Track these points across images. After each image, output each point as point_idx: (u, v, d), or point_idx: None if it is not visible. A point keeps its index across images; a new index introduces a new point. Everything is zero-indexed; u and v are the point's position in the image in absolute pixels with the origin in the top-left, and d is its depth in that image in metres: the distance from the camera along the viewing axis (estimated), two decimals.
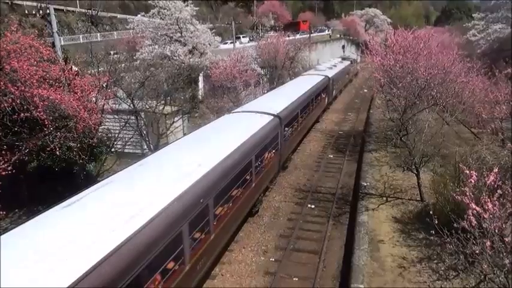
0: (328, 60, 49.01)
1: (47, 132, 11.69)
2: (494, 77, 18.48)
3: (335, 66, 39.97)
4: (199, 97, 29.93)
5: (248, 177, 12.47)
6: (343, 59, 53.03)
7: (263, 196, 15.37)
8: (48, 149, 11.79)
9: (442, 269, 8.91)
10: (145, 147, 17.64)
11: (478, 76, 18.73)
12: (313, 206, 15.05)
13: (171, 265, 7.84)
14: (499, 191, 7.31)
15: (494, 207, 7.04)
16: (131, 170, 9.17)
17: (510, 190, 7.24)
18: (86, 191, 7.74)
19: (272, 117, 15.46)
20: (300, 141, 22.51)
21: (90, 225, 6.47)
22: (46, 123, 11.26)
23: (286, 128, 17.76)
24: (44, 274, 5.31)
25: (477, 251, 6.89)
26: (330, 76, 32.03)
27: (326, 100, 31.19)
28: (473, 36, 32.96)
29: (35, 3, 45.60)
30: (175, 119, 19.69)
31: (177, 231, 7.68)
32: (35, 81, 10.96)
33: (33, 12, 42.88)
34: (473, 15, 37.33)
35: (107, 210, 6.98)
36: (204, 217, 9.04)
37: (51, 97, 11.14)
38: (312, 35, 65.97)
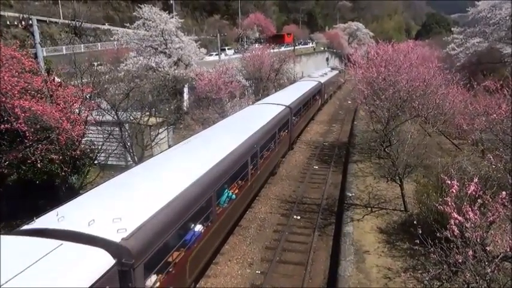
0: (316, 70, 54.15)
1: (28, 144, 11.45)
2: (473, 89, 18.98)
3: (326, 74, 46.35)
4: (185, 108, 29.85)
5: (273, 145, 17.89)
6: (333, 68, 60.33)
7: (280, 162, 20.80)
8: (29, 161, 11.54)
9: (427, 278, 8.95)
10: (130, 159, 17.43)
11: (457, 88, 19.17)
12: (298, 217, 15.05)
13: (240, 182, 13.31)
14: (479, 201, 7.45)
15: (476, 217, 7.16)
16: (211, 132, 15.13)
17: (490, 200, 7.39)
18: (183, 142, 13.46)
19: (285, 107, 20.89)
20: (302, 129, 28.42)
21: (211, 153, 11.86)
22: (27, 135, 11.05)
23: (294, 117, 22.99)
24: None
25: (460, 260, 6.98)
26: (322, 82, 37.96)
27: (320, 102, 37.39)
28: (453, 49, 33.80)
29: (17, 14, 45.13)
30: (160, 130, 19.54)
31: (244, 160, 13.27)
32: (16, 92, 10.78)
33: (15, 23, 42.46)
34: (452, 29, 38.35)
35: (211, 146, 12.60)
36: (255, 158, 14.71)
37: (32, 108, 10.96)
38: (296, 47, 67.00)
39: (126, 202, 7.85)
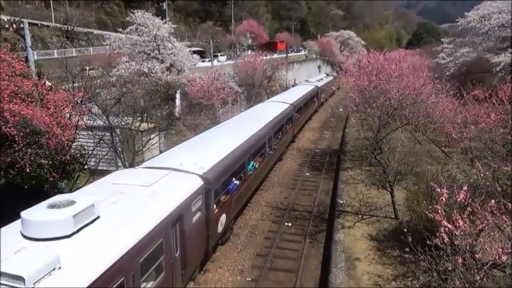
0: (311, 77, 57.95)
1: (17, 148, 11.31)
2: (462, 98, 19.19)
3: (322, 79, 51.15)
4: (176, 114, 29.75)
5: (281, 134, 21.94)
6: (327, 75, 64.35)
7: (286, 149, 25.02)
8: (17, 166, 11.39)
9: (417, 286, 9.02)
10: (120, 164, 17.29)
11: (447, 97, 19.40)
12: (290, 224, 15.04)
13: (259, 158, 17.13)
14: (468, 209, 7.52)
15: (465, 225, 7.23)
16: (238, 118, 20.48)
17: (479, 207, 7.46)
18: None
19: (289, 104, 25.19)
20: (302, 126, 32.66)
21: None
22: (16, 139, 10.92)
23: (296, 114, 27.22)
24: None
25: (450, 268, 7.03)
26: (319, 86, 42.66)
27: (316, 104, 41.55)
28: (443, 59, 34.22)
29: (8, 17, 44.73)
30: (152, 136, 19.45)
31: (263, 141, 17.27)
32: (6, 95, 10.67)
33: (6, 26, 42.04)
34: (442, 39, 38.89)
35: (241, 127, 17.16)
36: (270, 141, 18.72)
37: (22, 112, 10.84)
38: (288, 54, 67.30)
39: (199, 153, 12.22)
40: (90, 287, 5.68)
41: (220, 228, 11.95)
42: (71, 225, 6.35)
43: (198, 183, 10.15)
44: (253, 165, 15.91)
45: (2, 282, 5.29)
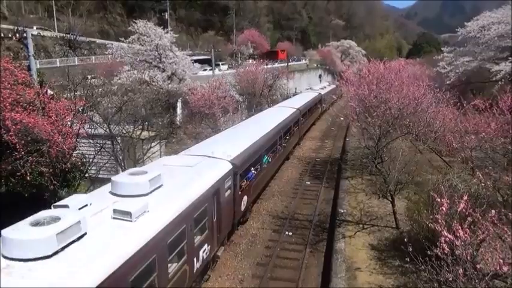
0: (313, 86, 59.02)
1: (17, 156, 11.34)
2: (462, 108, 19.21)
3: (325, 87, 53.90)
4: (177, 123, 29.82)
5: (289, 136, 24.57)
6: (330, 83, 65.72)
7: (293, 149, 27.58)
8: (18, 174, 11.40)
9: None
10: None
11: (447, 106, 19.43)
12: (290, 234, 14.97)
13: (271, 154, 19.53)
14: (469, 219, 7.49)
15: (466, 235, 7.19)
16: (252, 120, 23.48)
17: (480, 217, 7.43)
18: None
19: (295, 109, 27.90)
20: (308, 129, 35.21)
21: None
22: (17, 147, 10.95)
23: (302, 118, 29.85)
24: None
25: (451, 279, 6.97)
26: (322, 93, 45.31)
27: (320, 110, 43.84)
28: (443, 68, 34.25)
29: (11, 27, 45.09)
30: (153, 144, 19.48)
31: (275, 139, 19.97)
32: (7, 104, 10.74)
33: (9, 35, 42.35)
34: (442, 48, 38.97)
35: (255, 127, 19.47)
36: (280, 139, 21.55)
37: (24, 121, 10.90)
38: (289, 64, 67.62)
39: (225, 145, 14.46)
40: (168, 226, 8.13)
41: (243, 207, 14.41)
42: (147, 187, 8.69)
43: (229, 166, 12.65)
44: (267, 159, 18.25)
45: (115, 216, 7.47)
